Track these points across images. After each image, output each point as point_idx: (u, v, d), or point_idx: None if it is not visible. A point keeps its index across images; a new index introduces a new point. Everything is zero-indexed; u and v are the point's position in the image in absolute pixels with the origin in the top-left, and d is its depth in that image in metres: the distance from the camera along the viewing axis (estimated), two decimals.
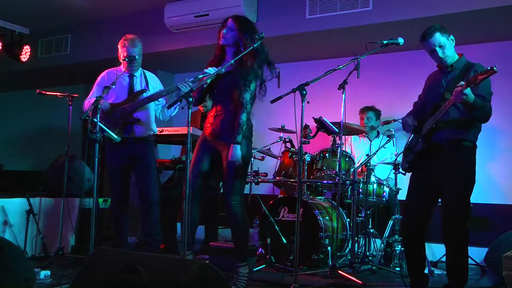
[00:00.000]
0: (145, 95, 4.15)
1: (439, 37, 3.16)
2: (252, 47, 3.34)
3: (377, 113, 5.32)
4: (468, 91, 2.86)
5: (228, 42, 3.49)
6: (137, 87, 4.23)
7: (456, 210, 3.09)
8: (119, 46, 4.23)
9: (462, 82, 2.87)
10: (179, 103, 3.26)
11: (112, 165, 4.22)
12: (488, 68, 2.79)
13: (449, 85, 3.15)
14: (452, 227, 3.08)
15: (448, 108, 3.03)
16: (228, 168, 3.39)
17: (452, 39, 3.22)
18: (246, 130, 3.42)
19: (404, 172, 3.72)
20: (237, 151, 3.33)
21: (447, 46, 3.18)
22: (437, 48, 3.17)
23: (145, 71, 4.37)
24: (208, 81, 3.46)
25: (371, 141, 5.26)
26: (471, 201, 3.22)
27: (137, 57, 4.13)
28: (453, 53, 3.23)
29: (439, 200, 3.27)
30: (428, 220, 3.26)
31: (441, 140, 3.15)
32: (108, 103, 4.13)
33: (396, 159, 4.56)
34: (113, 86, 3.84)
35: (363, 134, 5.32)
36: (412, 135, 3.40)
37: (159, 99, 4.22)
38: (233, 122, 3.38)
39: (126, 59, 4.09)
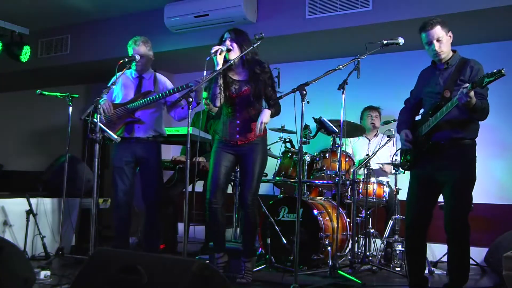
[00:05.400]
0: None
1: (439, 31, 3.14)
2: (252, 47, 3.55)
3: (380, 114, 5.34)
4: (472, 94, 2.85)
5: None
6: (144, 88, 4.25)
7: (459, 209, 3.08)
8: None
9: (468, 85, 2.83)
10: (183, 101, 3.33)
11: (116, 164, 4.22)
12: (495, 70, 2.74)
13: (447, 83, 3.14)
14: (455, 226, 3.08)
15: (452, 108, 3.02)
16: (253, 169, 3.69)
17: (450, 36, 3.20)
18: (265, 134, 3.83)
19: (403, 171, 3.72)
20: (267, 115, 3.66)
21: (444, 41, 3.16)
22: (435, 41, 3.16)
23: (157, 73, 4.38)
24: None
25: (369, 141, 5.26)
26: (472, 201, 3.21)
27: (137, 57, 4.12)
28: (448, 49, 3.21)
29: (439, 198, 3.26)
30: (430, 219, 3.25)
31: (442, 139, 3.13)
32: (110, 102, 4.18)
33: (396, 159, 4.56)
34: (113, 87, 3.85)
35: (364, 133, 5.31)
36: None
37: (172, 98, 4.20)
38: (252, 125, 3.71)
39: (126, 60, 4.09)
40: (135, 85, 4.27)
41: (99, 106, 4.01)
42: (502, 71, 2.72)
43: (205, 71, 3.45)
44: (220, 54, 3.56)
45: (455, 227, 3.09)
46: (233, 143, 3.74)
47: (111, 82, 3.89)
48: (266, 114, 3.63)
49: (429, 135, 3.18)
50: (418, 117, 3.44)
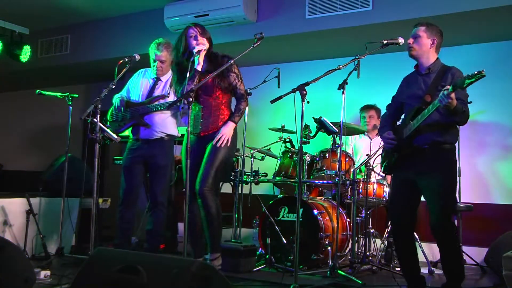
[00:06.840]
0: (162, 101, 4.17)
1: (421, 31, 3.21)
2: (252, 47, 3.51)
3: (378, 112, 5.31)
4: (453, 96, 2.86)
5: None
6: (158, 91, 4.25)
7: (442, 211, 3.08)
8: None
9: (449, 87, 2.83)
10: (179, 103, 3.34)
11: (124, 164, 4.25)
12: (476, 72, 2.71)
13: (429, 88, 3.16)
14: (439, 228, 3.09)
15: (432, 111, 3.03)
16: (210, 156, 3.65)
17: (432, 41, 3.21)
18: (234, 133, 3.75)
19: (384, 174, 3.72)
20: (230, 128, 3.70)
21: (420, 41, 3.20)
22: (412, 38, 3.23)
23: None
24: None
25: (371, 140, 5.25)
26: (472, 201, 3.21)
27: (137, 57, 4.11)
28: (422, 51, 3.22)
29: (422, 199, 3.28)
30: (414, 220, 3.27)
31: (423, 143, 3.15)
32: (125, 100, 4.24)
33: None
34: (113, 86, 3.85)
35: (363, 132, 5.30)
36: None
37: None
38: (214, 118, 3.73)
39: (126, 59, 4.09)
40: (150, 86, 4.29)
41: (116, 101, 4.18)
42: (483, 72, 2.69)
43: (188, 73, 3.55)
44: (201, 54, 3.66)
45: (440, 230, 3.09)
46: (197, 134, 3.77)
47: (117, 78, 3.87)
48: (229, 126, 3.70)
49: (410, 138, 3.19)
50: (399, 123, 3.46)
